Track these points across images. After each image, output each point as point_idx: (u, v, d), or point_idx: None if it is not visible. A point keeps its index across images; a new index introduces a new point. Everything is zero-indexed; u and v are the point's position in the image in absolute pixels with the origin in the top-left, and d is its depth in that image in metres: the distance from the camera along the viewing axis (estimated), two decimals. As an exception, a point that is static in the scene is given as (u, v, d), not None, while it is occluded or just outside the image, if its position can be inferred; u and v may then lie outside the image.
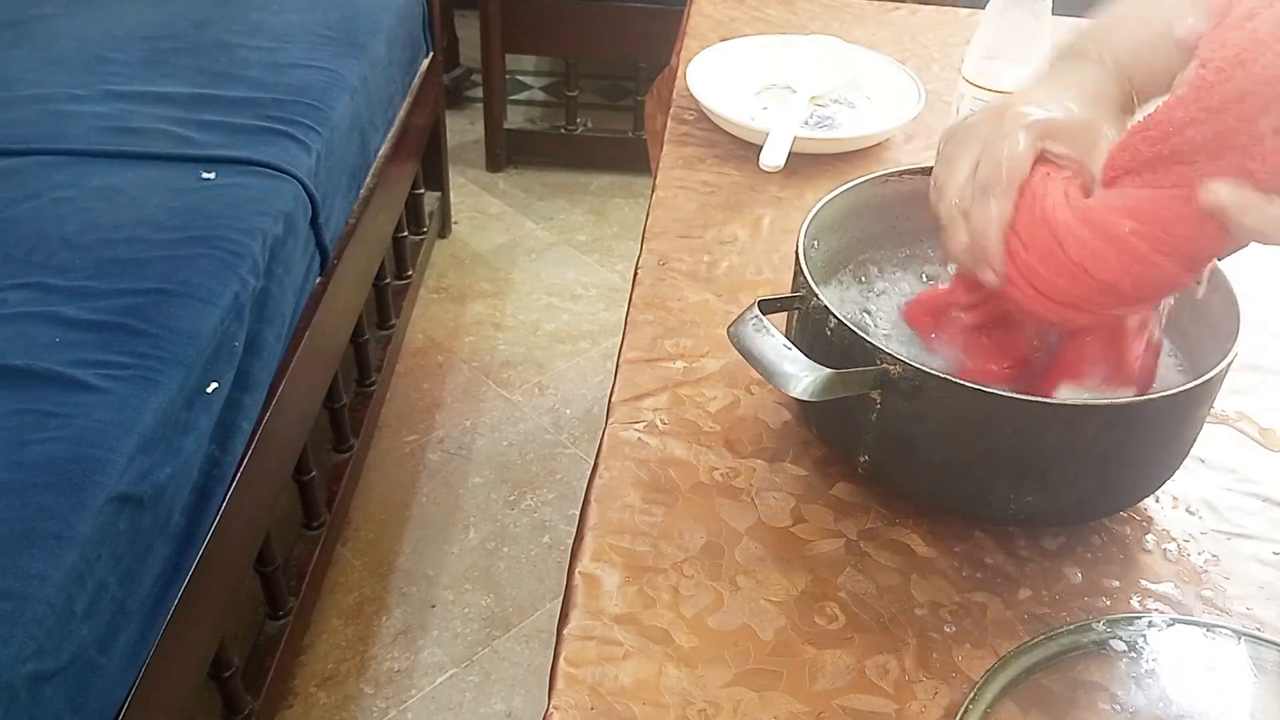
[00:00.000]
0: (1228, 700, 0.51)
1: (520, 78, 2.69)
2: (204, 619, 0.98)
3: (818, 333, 0.58)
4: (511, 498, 1.59)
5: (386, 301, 1.75)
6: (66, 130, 1.22)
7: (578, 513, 0.62)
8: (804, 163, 0.92)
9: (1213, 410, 0.66)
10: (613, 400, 0.68)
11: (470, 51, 2.57)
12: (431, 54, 1.89)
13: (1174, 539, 0.61)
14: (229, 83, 1.35)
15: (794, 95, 1.01)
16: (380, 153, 1.57)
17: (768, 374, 0.54)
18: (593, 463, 0.64)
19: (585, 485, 0.63)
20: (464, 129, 2.48)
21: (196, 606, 0.94)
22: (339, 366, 1.43)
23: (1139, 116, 0.51)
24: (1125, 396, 0.57)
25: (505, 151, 2.36)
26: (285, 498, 1.28)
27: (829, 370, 0.53)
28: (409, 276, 1.89)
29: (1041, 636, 0.52)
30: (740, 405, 0.68)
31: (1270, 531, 0.61)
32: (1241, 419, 0.69)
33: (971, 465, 0.56)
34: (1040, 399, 0.54)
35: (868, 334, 0.56)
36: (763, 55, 1.07)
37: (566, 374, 1.84)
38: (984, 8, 0.87)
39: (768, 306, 0.58)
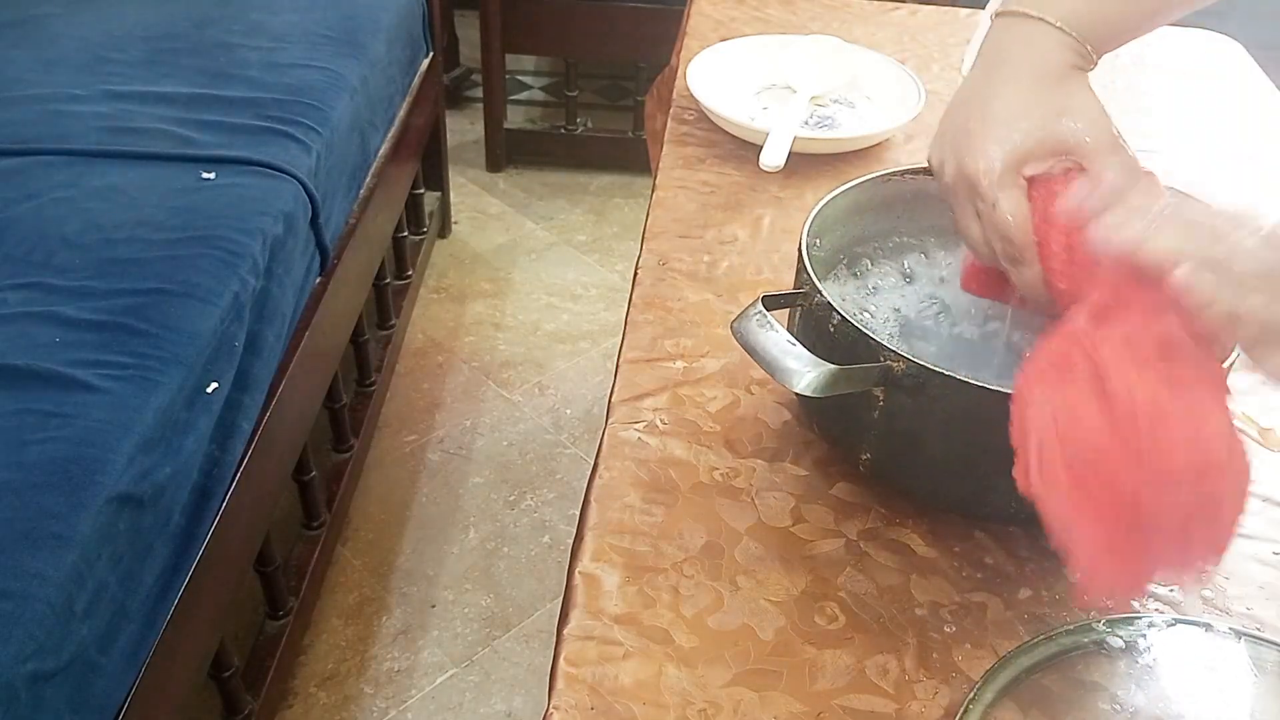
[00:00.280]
0: (1228, 700, 0.51)
1: (520, 78, 2.69)
2: (204, 619, 0.98)
3: (820, 329, 0.58)
4: (511, 498, 1.60)
5: (386, 301, 1.75)
6: (66, 130, 1.22)
7: (578, 513, 0.62)
8: (804, 163, 0.92)
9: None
10: (613, 400, 0.68)
11: (470, 51, 2.57)
12: (431, 54, 1.89)
13: (1174, 539, 0.61)
14: (229, 83, 1.35)
15: (794, 95, 1.01)
16: (380, 153, 1.57)
17: (771, 369, 0.54)
18: (593, 463, 0.64)
19: (585, 485, 0.63)
20: (464, 129, 2.48)
21: (196, 606, 0.94)
22: (339, 366, 1.43)
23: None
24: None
25: (505, 151, 2.36)
26: (285, 498, 1.28)
27: (832, 366, 0.53)
28: (409, 276, 1.89)
29: (1041, 636, 0.52)
30: (740, 405, 0.68)
31: (1270, 531, 0.61)
32: (1241, 419, 0.69)
33: (974, 463, 0.56)
34: None
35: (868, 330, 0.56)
36: (763, 55, 1.07)
37: (566, 374, 1.84)
38: (984, 8, 0.87)
39: (771, 303, 0.58)
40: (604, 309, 1.99)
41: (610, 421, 0.66)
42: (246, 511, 1.06)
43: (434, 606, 1.43)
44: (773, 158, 0.89)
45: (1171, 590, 0.58)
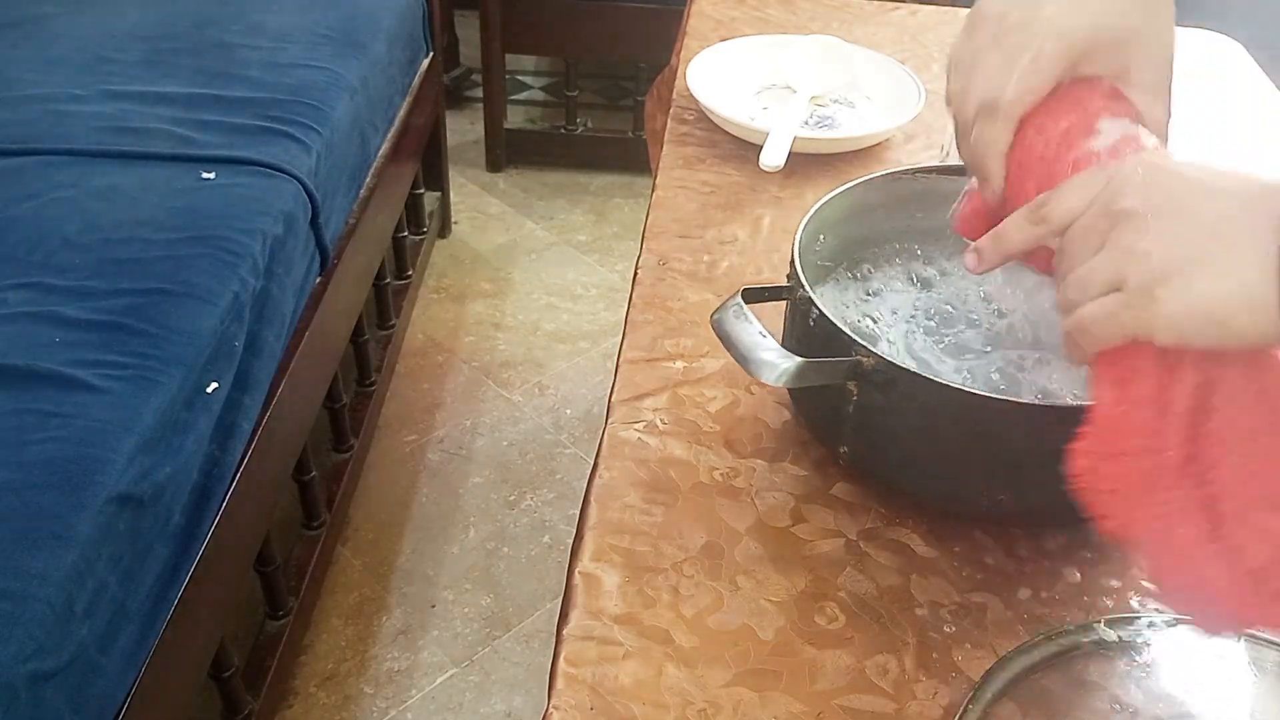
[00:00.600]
0: (1227, 700, 0.51)
1: (520, 78, 2.69)
2: (204, 619, 0.98)
3: (803, 323, 0.59)
4: (511, 498, 1.60)
5: (386, 301, 1.75)
6: (66, 130, 1.22)
7: (578, 513, 0.62)
8: (804, 163, 0.92)
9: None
10: (613, 400, 0.68)
11: (470, 51, 2.57)
12: (431, 54, 1.89)
13: (1174, 539, 0.61)
14: (229, 83, 1.35)
15: (794, 95, 1.01)
16: (380, 153, 1.57)
17: (742, 360, 0.54)
18: (593, 463, 0.64)
19: (585, 485, 0.63)
20: (464, 129, 2.48)
21: (196, 606, 0.94)
22: (339, 366, 1.43)
23: None
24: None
25: (505, 151, 2.36)
26: (285, 498, 1.28)
27: (800, 359, 0.53)
28: (409, 276, 1.89)
29: (1041, 636, 0.52)
30: (740, 405, 0.68)
31: (1270, 531, 0.61)
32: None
33: (943, 461, 0.56)
34: (1007, 398, 0.54)
35: (866, 333, 0.56)
36: (763, 55, 1.07)
37: (566, 374, 1.84)
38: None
39: (752, 295, 0.58)
40: (604, 309, 1.99)
41: (610, 421, 0.66)
42: (246, 511, 1.06)
43: (434, 606, 1.43)
44: (773, 158, 0.89)
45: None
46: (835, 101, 1.04)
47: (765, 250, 0.83)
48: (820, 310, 0.57)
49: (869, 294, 0.69)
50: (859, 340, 0.55)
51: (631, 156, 2.30)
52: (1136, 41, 0.52)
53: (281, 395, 1.13)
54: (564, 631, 0.53)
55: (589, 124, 2.43)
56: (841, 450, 0.60)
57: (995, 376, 0.61)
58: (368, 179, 1.51)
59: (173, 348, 0.94)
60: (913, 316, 0.67)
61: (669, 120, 1.00)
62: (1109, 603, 0.56)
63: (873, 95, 1.05)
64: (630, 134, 2.35)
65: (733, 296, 0.57)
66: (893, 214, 0.71)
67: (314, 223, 1.26)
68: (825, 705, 0.51)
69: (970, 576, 0.58)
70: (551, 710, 0.50)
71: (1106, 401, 0.46)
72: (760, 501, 0.61)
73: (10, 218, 1.07)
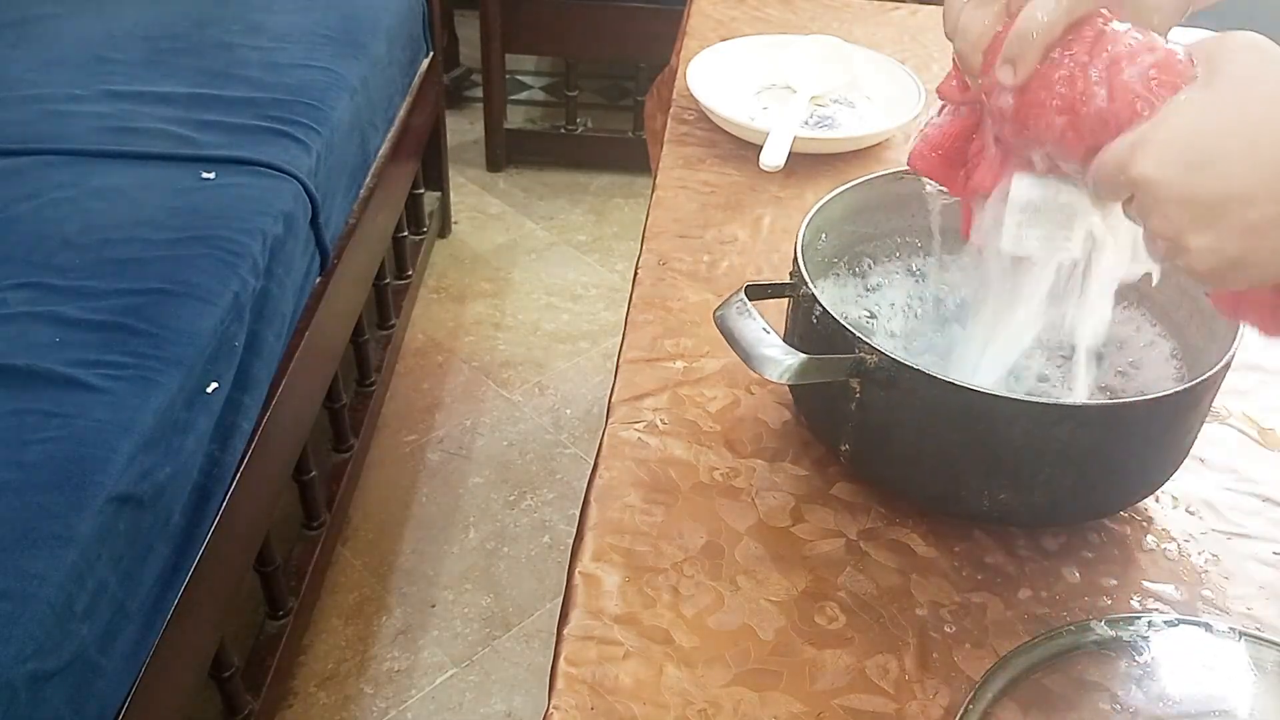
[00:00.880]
0: (1228, 700, 0.51)
1: (520, 78, 2.69)
2: (204, 619, 0.98)
3: (807, 321, 0.59)
4: (511, 498, 1.59)
5: (386, 301, 1.75)
6: (66, 130, 1.22)
7: (578, 513, 0.62)
8: (804, 163, 0.92)
9: (1213, 410, 0.66)
10: (613, 400, 0.68)
11: (470, 51, 2.57)
12: (431, 54, 1.89)
13: (1174, 539, 0.61)
14: (229, 83, 1.35)
15: (794, 95, 1.01)
16: (380, 153, 1.57)
17: (746, 356, 0.54)
18: (593, 463, 0.64)
19: (585, 485, 0.63)
20: (464, 129, 2.48)
21: (196, 606, 0.94)
22: (339, 366, 1.43)
23: None
24: (1103, 399, 0.57)
25: (505, 151, 2.36)
26: (285, 498, 1.28)
27: (804, 355, 0.53)
28: (409, 276, 1.89)
29: (1041, 636, 0.52)
30: (740, 405, 0.68)
31: (1270, 531, 0.61)
32: (1241, 419, 0.69)
33: (945, 459, 0.56)
34: (1010, 395, 0.54)
35: (865, 329, 0.56)
36: (763, 55, 1.07)
37: (566, 374, 1.84)
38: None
39: (755, 292, 0.59)
40: (604, 309, 1.99)
41: (610, 421, 0.66)
42: (246, 511, 1.06)
43: (434, 606, 1.43)
44: (773, 158, 0.89)
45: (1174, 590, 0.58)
46: (835, 101, 1.04)
47: (765, 250, 0.83)
48: (823, 307, 0.57)
49: (868, 289, 0.69)
50: (862, 337, 0.55)
51: (631, 156, 2.30)
52: None
53: (281, 395, 1.13)
54: (564, 631, 0.53)
55: (589, 124, 2.43)
56: (843, 448, 0.60)
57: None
58: (368, 179, 1.51)
59: (173, 348, 0.94)
60: (909, 306, 0.67)
61: (669, 120, 1.00)
62: (1109, 603, 0.56)
63: (873, 95, 1.05)
64: (630, 134, 2.35)
65: (736, 293, 0.57)
66: (893, 213, 0.71)
67: (314, 223, 1.26)
68: (825, 705, 0.51)
69: (970, 576, 0.58)
70: (551, 710, 0.50)
71: None
72: (760, 501, 0.61)
73: (10, 218, 1.07)
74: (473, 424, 1.72)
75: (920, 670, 0.53)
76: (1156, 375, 0.63)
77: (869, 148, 0.97)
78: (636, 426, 0.66)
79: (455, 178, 2.26)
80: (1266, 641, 0.53)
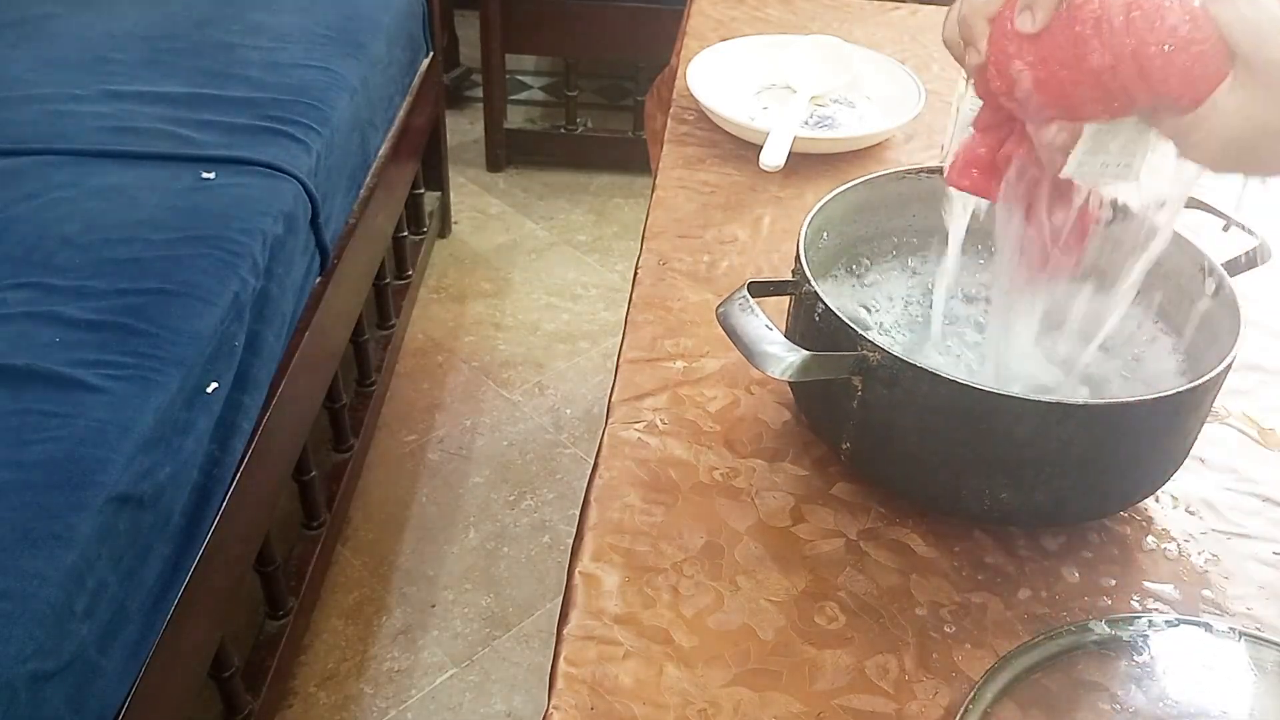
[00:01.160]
0: (1228, 700, 0.51)
1: (520, 78, 2.69)
2: (204, 619, 0.98)
3: (809, 318, 0.59)
4: (511, 498, 1.60)
5: (386, 301, 1.75)
6: (66, 130, 1.22)
7: (578, 513, 0.62)
8: (804, 163, 0.92)
9: (1213, 410, 0.66)
10: (613, 400, 0.68)
11: (470, 51, 2.57)
12: (431, 54, 1.89)
13: (1174, 539, 0.61)
14: (229, 83, 1.35)
15: (794, 95, 1.01)
16: (380, 153, 1.57)
17: (748, 353, 0.54)
18: (593, 463, 0.64)
19: (585, 485, 0.63)
20: (464, 129, 2.48)
21: (196, 606, 0.94)
22: (339, 366, 1.43)
23: None
24: (1104, 399, 0.57)
25: (505, 151, 2.36)
26: (285, 498, 1.28)
27: (807, 352, 0.53)
28: (409, 276, 1.89)
29: (1041, 636, 0.52)
30: (740, 405, 0.68)
31: (1270, 531, 0.61)
32: (1241, 419, 0.69)
33: (946, 458, 0.56)
34: (1012, 394, 0.54)
35: (863, 325, 0.56)
36: (763, 55, 1.07)
37: (566, 374, 1.84)
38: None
39: (757, 289, 0.58)
40: (604, 309, 1.99)
41: (610, 421, 0.66)
42: (246, 511, 1.06)
43: (434, 606, 1.43)
44: (773, 158, 0.89)
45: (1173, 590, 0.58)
46: (835, 101, 1.04)
47: (765, 250, 0.83)
48: (825, 305, 0.57)
49: (865, 285, 0.69)
50: (864, 335, 0.55)
51: (631, 156, 2.30)
52: None
53: (281, 395, 1.13)
54: (564, 631, 0.53)
55: (589, 124, 2.43)
56: (844, 447, 0.60)
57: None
58: (368, 179, 1.51)
59: (173, 348, 0.94)
60: (907, 300, 0.68)
61: (669, 120, 1.00)
62: (1109, 603, 0.56)
63: (873, 95, 1.05)
64: (630, 134, 2.35)
65: (738, 290, 0.57)
66: (894, 213, 0.71)
67: (314, 223, 1.26)
68: (825, 705, 0.51)
69: (970, 576, 0.58)
70: (551, 710, 0.50)
71: None
72: (760, 501, 0.61)
73: (10, 218, 1.07)
74: (473, 424, 1.72)
75: (920, 670, 0.53)
76: (1158, 372, 0.63)
77: (869, 148, 0.97)
78: (636, 426, 0.66)
79: (455, 178, 2.26)
80: (1266, 641, 0.53)
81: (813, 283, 0.58)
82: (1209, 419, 0.62)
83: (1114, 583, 0.58)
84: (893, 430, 0.57)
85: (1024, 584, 0.57)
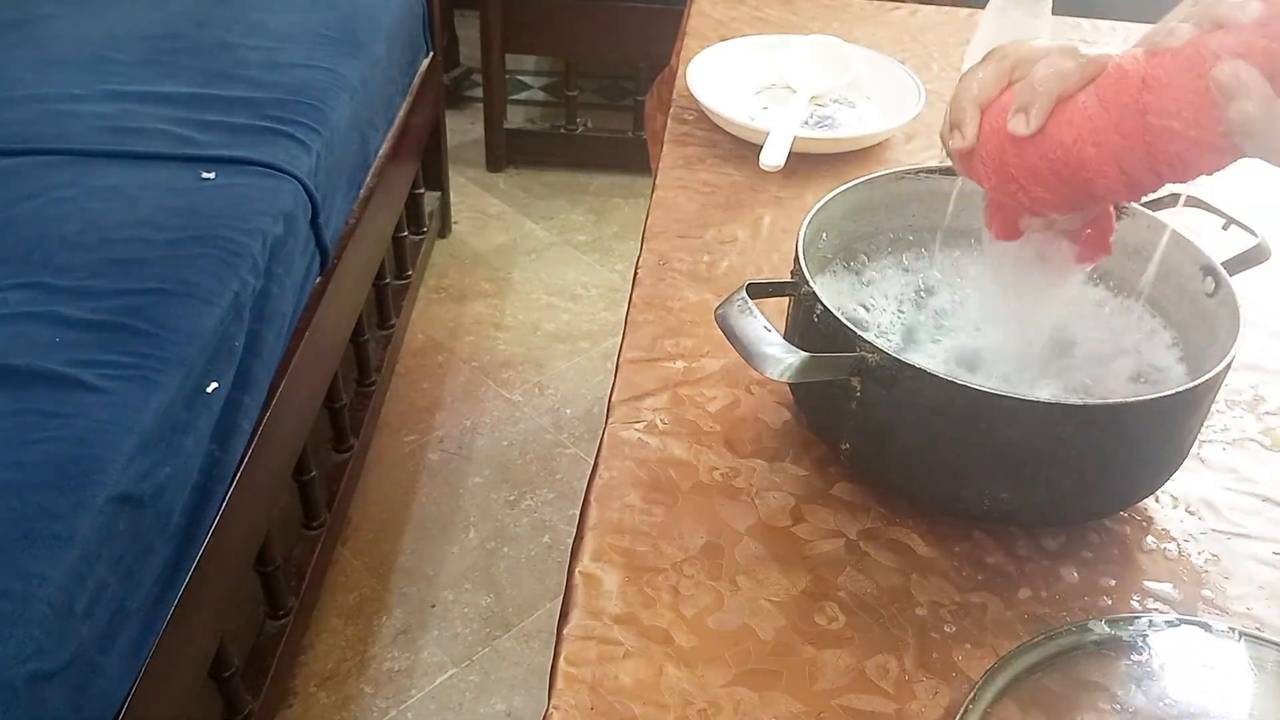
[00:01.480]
0: (1228, 700, 0.51)
1: (520, 78, 2.69)
2: (204, 619, 0.98)
3: (807, 319, 0.59)
4: (511, 498, 1.60)
5: (386, 301, 1.75)
6: (66, 130, 1.22)
7: (578, 513, 0.62)
8: (804, 163, 0.92)
9: (1213, 409, 0.66)
10: (613, 400, 0.68)
11: (470, 51, 2.57)
12: (431, 54, 1.89)
13: (1174, 539, 0.61)
14: (229, 82, 1.35)
15: (794, 95, 1.01)
16: (380, 153, 1.57)
17: (747, 354, 0.54)
18: (593, 463, 0.64)
19: (585, 485, 0.63)
20: (464, 129, 2.48)
21: (196, 606, 0.94)
22: (339, 366, 1.43)
23: None
24: (1107, 398, 0.57)
25: (505, 151, 2.36)
26: (285, 498, 1.28)
27: (805, 354, 0.53)
28: (409, 276, 1.89)
29: (1041, 636, 0.52)
30: (740, 405, 0.68)
31: (1270, 531, 0.61)
32: (1242, 418, 0.69)
33: (945, 458, 0.56)
34: (1012, 394, 0.54)
35: (860, 325, 0.56)
36: (763, 55, 1.07)
37: (566, 374, 1.84)
38: (984, 8, 0.87)
39: (756, 290, 0.58)
40: (604, 309, 1.99)
41: (610, 421, 0.66)
42: (246, 511, 1.06)
43: (434, 606, 1.43)
44: (773, 158, 0.89)
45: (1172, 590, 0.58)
46: (835, 101, 1.04)
47: (765, 250, 0.83)
48: (824, 306, 0.57)
49: (863, 284, 0.69)
50: (864, 336, 0.55)
51: (631, 156, 2.30)
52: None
53: (281, 395, 1.13)
54: (564, 631, 0.53)
55: (589, 124, 2.43)
56: (843, 447, 0.60)
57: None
58: (368, 179, 1.51)
59: (173, 348, 0.94)
60: (901, 298, 0.68)
61: (669, 120, 1.00)
62: (1109, 603, 0.56)
63: (873, 95, 1.05)
64: (630, 134, 2.35)
65: (737, 291, 0.57)
66: (894, 213, 0.71)
67: (314, 223, 1.26)
68: (825, 705, 0.51)
69: (970, 576, 0.58)
70: (551, 710, 0.50)
71: None
72: (760, 501, 0.61)
73: (10, 218, 1.07)
74: (473, 424, 1.72)
75: (920, 670, 0.53)
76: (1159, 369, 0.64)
77: (869, 148, 0.97)
78: (636, 426, 0.66)
79: (455, 178, 2.26)
80: (1266, 641, 0.53)
81: (811, 284, 0.58)
82: (1208, 418, 0.62)
83: (1114, 583, 0.58)
84: (892, 430, 0.57)
85: (1024, 584, 0.57)
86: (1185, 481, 0.63)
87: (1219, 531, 0.61)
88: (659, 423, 0.66)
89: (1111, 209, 0.59)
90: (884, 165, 0.94)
